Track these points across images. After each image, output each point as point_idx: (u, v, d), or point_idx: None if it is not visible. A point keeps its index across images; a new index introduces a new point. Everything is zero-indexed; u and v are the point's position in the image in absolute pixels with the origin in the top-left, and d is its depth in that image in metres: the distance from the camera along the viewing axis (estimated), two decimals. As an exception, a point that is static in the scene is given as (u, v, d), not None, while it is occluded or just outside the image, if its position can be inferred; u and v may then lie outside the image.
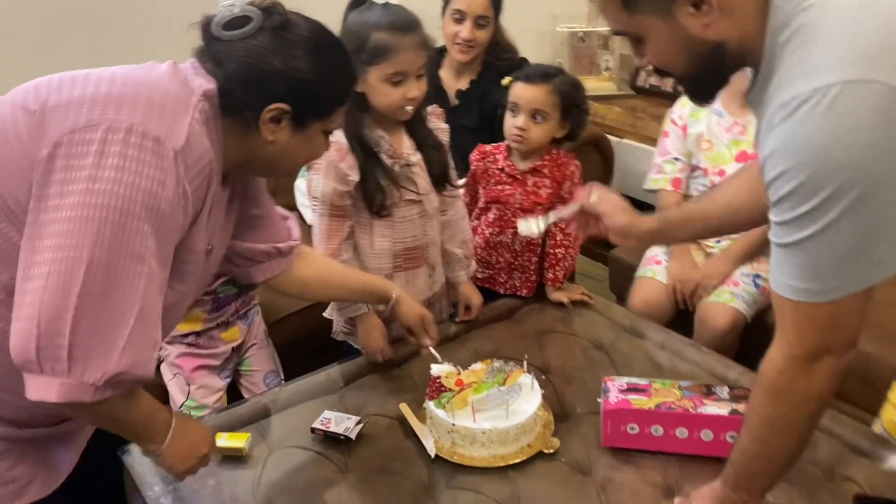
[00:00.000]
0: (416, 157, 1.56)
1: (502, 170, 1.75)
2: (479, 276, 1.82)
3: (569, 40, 3.28)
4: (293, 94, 1.04)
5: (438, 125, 1.63)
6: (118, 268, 0.91)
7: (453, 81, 2.31)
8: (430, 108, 1.62)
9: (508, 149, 1.76)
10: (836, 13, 0.87)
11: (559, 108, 1.67)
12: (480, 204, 1.80)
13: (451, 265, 1.71)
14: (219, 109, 1.03)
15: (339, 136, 1.51)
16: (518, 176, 1.74)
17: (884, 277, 0.90)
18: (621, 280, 2.29)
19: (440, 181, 1.60)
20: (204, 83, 1.02)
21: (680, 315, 2.06)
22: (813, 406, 0.98)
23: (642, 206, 2.78)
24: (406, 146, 1.56)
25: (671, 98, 3.12)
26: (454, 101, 2.30)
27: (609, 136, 2.80)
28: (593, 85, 3.27)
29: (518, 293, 1.80)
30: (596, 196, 1.36)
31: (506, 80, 1.73)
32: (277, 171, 1.17)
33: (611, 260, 2.35)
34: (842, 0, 0.88)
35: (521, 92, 1.68)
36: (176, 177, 0.94)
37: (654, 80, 3.21)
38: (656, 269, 2.11)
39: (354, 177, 1.50)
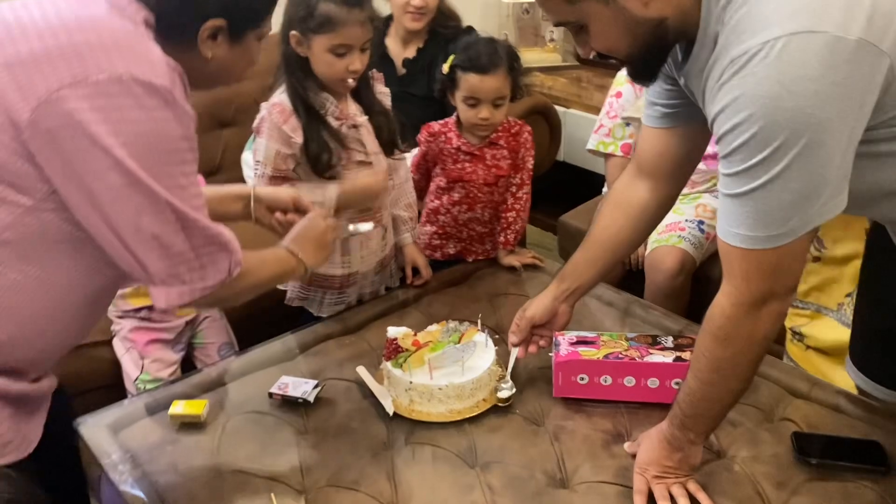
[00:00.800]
0: (363, 119, 1.57)
1: (458, 149, 1.73)
2: (451, 251, 1.84)
3: (514, 12, 3.30)
4: (227, 7, 1.04)
5: (380, 89, 1.64)
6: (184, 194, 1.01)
7: (400, 50, 2.31)
8: (371, 72, 1.62)
9: (458, 124, 1.74)
10: None
11: (511, 85, 1.67)
12: (441, 184, 1.78)
13: (396, 228, 1.72)
14: (156, 34, 1.03)
15: (282, 99, 1.51)
16: (476, 152, 1.73)
17: (827, 219, 0.95)
18: (570, 245, 2.34)
19: (388, 146, 1.61)
20: (139, 10, 1.01)
21: (629, 276, 2.12)
22: (758, 348, 1.03)
23: (587, 174, 2.86)
24: (353, 109, 1.56)
25: (615, 68, 3.18)
26: (401, 70, 2.30)
27: (559, 108, 2.84)
28: (539, 56, 3.31)
29: (491, 256, 1.84)
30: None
31: (446, 67, 1.68)
32: (217, 84, 1.16)
33: (559, 226, 2.40)
34: None
35: (479, 85, 1.62)
36: (175, 108, 0.97)
37: (598, 51, 3.26)
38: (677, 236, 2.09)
39: (298, 139, 1.49)
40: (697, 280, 2.04)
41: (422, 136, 1.78)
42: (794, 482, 1.15)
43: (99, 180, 0.95)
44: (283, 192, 1.42)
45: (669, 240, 2.04)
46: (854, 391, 1.37)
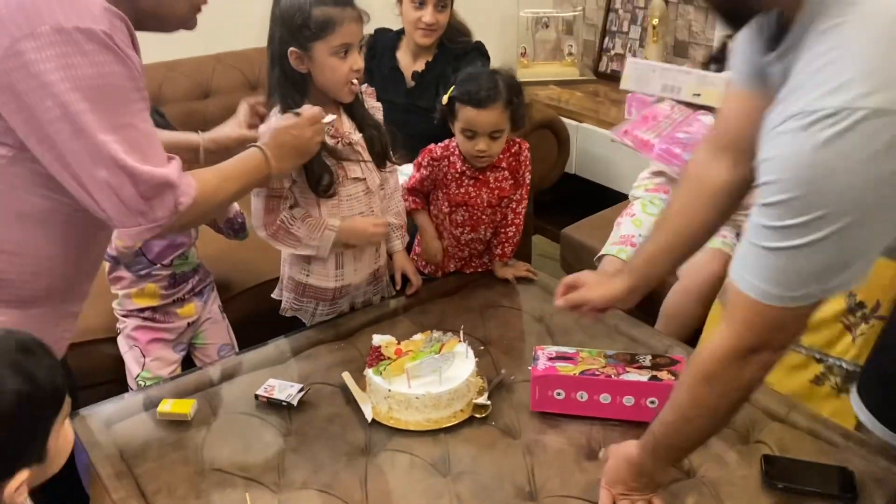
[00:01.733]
0: (357, 136, 1.60)
1: (462, 173, 1.73)
2: (451, 268, 1.86)
3: (532, 25, 3.33)
4: None
5: (372, 104, 1.67)
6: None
7: (410, 63, 2.35)
8: (363, 87, 1.65)
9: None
10: (877, 26, 0.83)
11: (508, 118, 1.67)
12: (444, 209, 1.78)
13: (387, 236, 1.74)
14: None
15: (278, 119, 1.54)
16: (479, 176, 1.73)
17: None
18: (573, 257, 2.36)
19: (381, 159, 1.65)
20: None
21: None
22: (742, 394, 1.03)
23: (597, 188, 2.88)
24: (346, 126, 1.60)
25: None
26: (410, 83, 2.34)
27: (568, 121, 2.86)
28: (556, 70, 3.33)
29: (488, 269, 1.86)
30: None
31: (445, 98, 1.69)
32: (163, 22, 1.22)
33: (562, 238, 2.41)
34: (886, 11, 0.83)
35: (475, 118, 1.63)
36: (116, 51, 1.06)
37: (615, 66, 3.28)
38: (630, 252, 2.08)
39: None
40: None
41: (422, 159, 1.76)
42: (759, 505, 1.16)
43: (54, 131, 1.05)
44: (228, 131, 1.54)
45: (619, 252, 2.06)
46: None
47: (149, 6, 1.17)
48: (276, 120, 1.40)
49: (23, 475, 0.87)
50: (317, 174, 1.54)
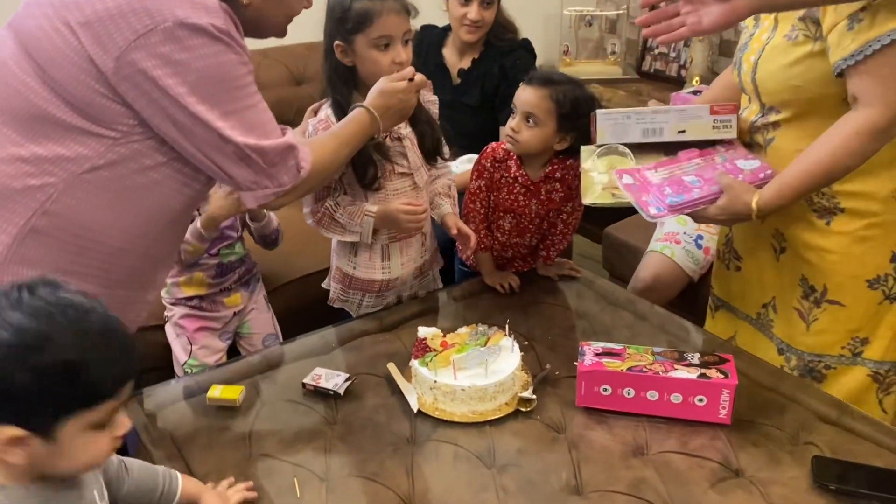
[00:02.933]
0: (407, 131, 1.61)
1: (515, 179, 1.69)
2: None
3: (576, 24, 3.32)
4: None
5: (427, 97, 1.67)
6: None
7: (456, 60, 2.36)
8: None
9: (520, 156, 1.70)
10: None
11: (555, 117, 1.61)
12: (492, 215, 1.76)
13: (436, 206, 1.72)
14: None
15: (328, 114, 1.55)
16: (531, 186, 1.69)
17: None
18: (615, 257, 2.35)
19: (431, 155, 1.65)
20: None
21: (683, 295, 2.12)
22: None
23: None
24: None
25: (675, 82, 3.16)
26: (456, 80, 2.35)
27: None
28: (599, 69, 3.32)
29: (526, 269, 1.85)
30: None
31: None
32: (261, 31, 1.30)
33: (604, 237, 2.40)
34: None
35: (519, 93, 1.64)
36: (227, 41, 1.14)
37: (659, 65, 3.25)
38: (675, 249, 2.11)
39: None
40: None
41: (486, 160, 1.71)
42: (810, 507, 1.15)
43: (176, 115, 1.14)
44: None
45: (663, 249, 2.09)
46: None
47: (251, 15, 1.24)
48: (384, 81, 1.45)
49: (7, 431, 0.82)
50: (362, 167, 1.55)
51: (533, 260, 1.86)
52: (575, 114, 1.61)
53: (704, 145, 1.51)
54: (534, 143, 1.64)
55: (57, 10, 1.12)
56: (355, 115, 1.42)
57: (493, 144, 1.73)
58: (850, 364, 1.50)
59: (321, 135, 1.45)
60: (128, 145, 1.16)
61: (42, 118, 1.13)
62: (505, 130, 1.68)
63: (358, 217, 1.59)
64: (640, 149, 1.52)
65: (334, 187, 1.59)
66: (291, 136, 1.27)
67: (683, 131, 1.50)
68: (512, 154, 1.69)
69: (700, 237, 2.12)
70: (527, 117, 1.62)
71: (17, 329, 0.82)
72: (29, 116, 1.14)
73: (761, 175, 1.44)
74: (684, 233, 2.14)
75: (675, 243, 2.13)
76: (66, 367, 0.82)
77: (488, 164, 1.71)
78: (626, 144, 1.51)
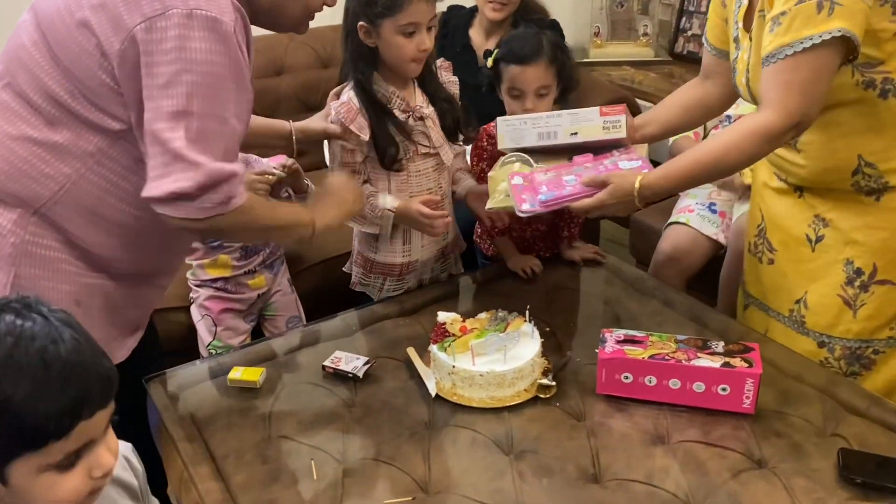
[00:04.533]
0: (429, 110, 1.60)
1: None
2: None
3: (608, 5, 3.26)
4: None
5: (448, 78, 1.66)
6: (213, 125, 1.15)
7: (482, 41, 2.33)
8: (438, 62, 1.65)
9: None
10: None
11: (556, 75, 1.65)
12: None
13: (458, 181, 1.73)
14: None
15: (350, 97, 1.54)
16: None
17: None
18: (642, 243, 2.31)
19: (453, 132, 1.64)
20: None
21: (705, 268, 2.11)
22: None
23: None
24: (419, 99, 1.60)
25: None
26: (482, 61, 2.31)
27: (642, 102, 2.79)
28: (631, 50, 3.26)
29: (548, 254, 1.83)
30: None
31: (490, 61, 1.69)
32: (277, 21, 1.29)
33: (632, 222, 2.37)
34: None
35: (520, 75, 1.62)
36: (232, 45, 1.12)
37: (692, 47, 3.18)
38: (690, 217, 2.15)
39: (364, 136, 1.53)
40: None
41: (482, 142, 1.74)
42: (835, 500, 1.12)
43: (151, 98, 1.10)
44: (315, 124, 1.59)
45: (678, 219, 2.14)
46: None
47: (266, 4, 1.23)
48: (341, 182, 1.45)
49: None
50: (383, 147, 1.54)
51: (555, 241, 1.83)
52: (564, 59, 1.67)
53: (602, 150, 1.53)
54: (547, 108, 1.66)
55: None
56: (299, 211, 1.39)
57: (485, 126, 1.73)
58: None
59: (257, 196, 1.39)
60: (130, 138, 1.16)
61: (56, 103, 1.14)
62: (518, 113, 1.65)
63: (377, 210, 1.58)
64: (551, 155, 1.55)
65: (358, 171, 1.58)
66: (242, 169, 1.21)
67: (576, 133, 1.53)
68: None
69: (713, 204, 2.17)
70: (538, 93, 1.64)
71: None
72: (43, 100, 1.15)
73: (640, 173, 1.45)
74: (697, 203, 2.18)
75: (688, 212, 2.17)
76: None
77: (486, 144, 1.71)
78: (534, 150, 1.55)
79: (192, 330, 1.90)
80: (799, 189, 1.50)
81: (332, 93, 1.65)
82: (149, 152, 1.13)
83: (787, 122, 1.28)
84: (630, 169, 1.47)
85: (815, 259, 1.49)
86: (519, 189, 1.47)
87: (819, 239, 1.47)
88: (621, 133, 1.52)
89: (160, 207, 1.15)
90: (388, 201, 1.55)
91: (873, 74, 1.31)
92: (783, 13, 1.25)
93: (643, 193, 1.40)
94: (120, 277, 1.28)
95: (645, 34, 3.25)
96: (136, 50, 1.09)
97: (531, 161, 1.54)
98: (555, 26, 2.33)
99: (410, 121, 1.57)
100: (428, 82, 1.61)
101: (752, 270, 1.67)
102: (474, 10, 2.33)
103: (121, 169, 1.19)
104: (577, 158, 1.53)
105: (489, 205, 1.53)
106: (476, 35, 2.35)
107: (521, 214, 1.45)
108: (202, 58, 1.10)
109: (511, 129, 1.55)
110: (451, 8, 2.35)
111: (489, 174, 1.57)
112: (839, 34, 1.22)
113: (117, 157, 1.18)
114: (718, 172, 1.44)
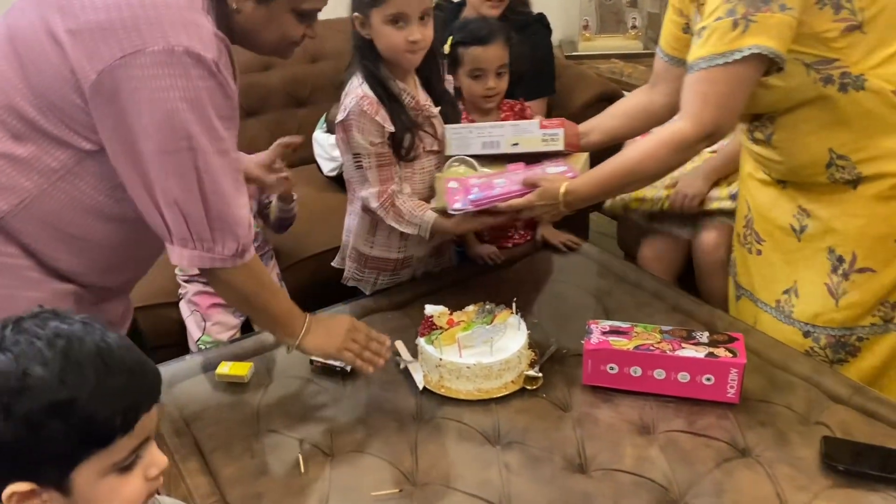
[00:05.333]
0: (436, 110, 1.60)
1: None
2: (487, 239, 1.86)
3: (596, -2, 3.26)
4: None
5: (448, 79, 1.67)
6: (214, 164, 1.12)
7: None
8: (442, 61, 1.66)
9: (473, 117, 1.77)
10: None
11: (508, 52, 1.74)
12: None
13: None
14: None
15: (366, 90, 1.52)
16: None
17: None
18: (629, 236, 2.32)
19: None
20: None
21: (688, 273, 2.10)
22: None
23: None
24: (423, 99, 1.60)
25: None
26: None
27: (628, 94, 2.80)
28: (620, 43, 3.27)
29: (527, 238, 1.87)
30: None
31: (447, 46, 1.73)
32: (254, 44, 1.23)
33: (620, 217, 2.37)
34: None
35: (483, 55, 1.71)
36: (220, 78, 1.09)
37: (680, 39, 3.18)
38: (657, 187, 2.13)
39: (390, 127, 1.52)
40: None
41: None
42: (817, 487, 1.13)
43: (142, 141, 1.07)
44: (252, 165, 1.61)
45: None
46: None
47: (241, 25, 1.18)
48: (341, 321, 1.35)
49: (14, 486, 0.73)
50: (399, 135, 1.54)
51: (526, 231, 1.86)
52: (510, 35, 1.75)
53: (534, 159, 1.59)
54: (506, 86, 1.76)
55: (49, 11, 1.08)
56: (298, 313, 1.30)
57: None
58: (882, 332, 1.48)
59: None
60: (100, 159, 1.12)
61: (22, 118, 1.10)
62: (479, 93, 1.74)
63: (420, 210, 1.57)
64: (493, 161, 1.62)
65: (391, 162, 1.56)
66: (248, 222, 1.19)
67: (517, 144, 1.60)
68: (465, 115, 1.76)
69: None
70: (497, 72, 1.72)
71: None
72: (9, 114, 1.10)
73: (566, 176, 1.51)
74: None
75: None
76: (55, 409, 0.72)
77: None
78: (478, 156, 1.62)
79: (182, 325, 1.90)
80: (782, 182, 1.52)
81: (279, 141, 1.64)
82: (157, 199, 1.11)
83: (700, 132, 1.33)
84: (554, 174, 1.52)
85: (802, 249, 1.50)
86: (453, 191, 1.54)
87: (803, 229, 1.49)
88: (559, 146, 1.59)
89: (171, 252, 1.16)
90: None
91: (830, 71, 1.33)
92: (704, 27, 1.30)
93: (567, 198, 1.44)
94: (88, 286, 1.25)
95: (634, 27, 3.26)
96: (113, 85, 1.05)
97: (476, 165, 1.61)
98: (542, 20, 2.35)
99: (420, 118, 1.57)
100: (434, 84, 1.61)
101: (741, 262, 1.68)
102: (462, 4, 2.34)
103: (89, 188, 1.15)
104: (510, 166, 1.59)
105: (433, 204, 1.58)
106: None
107: (452, 213, 1.51)
108: (191, 96, 1.06)
109: (458, 137, 1.62)
110: (439, 3, 2.35)
111: (436, 175, 1.61)
112: (752, 52, 1.25)
113: (85, 176, 1.14)
114: (637, 180, 1.48)
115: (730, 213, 1.95)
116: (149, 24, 1.04)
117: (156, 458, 0.80)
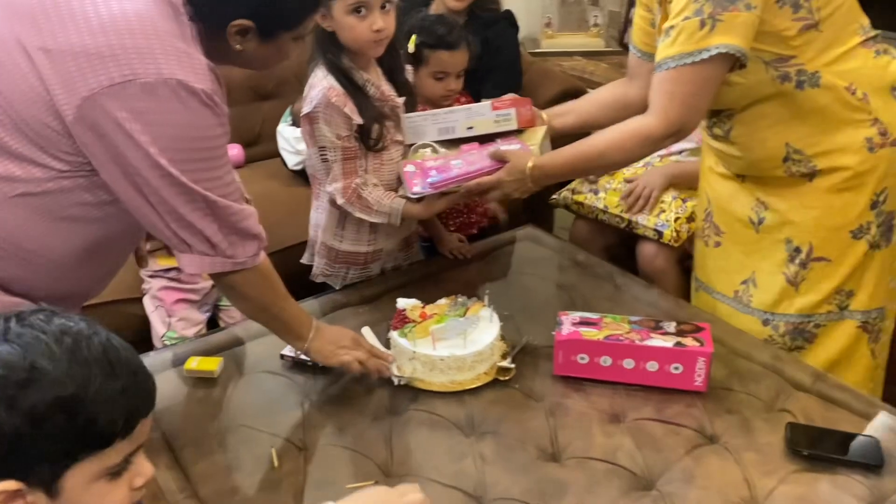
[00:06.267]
0: (400, 101, 1.60)
1: None
2: (453, 227, 1.87)
3: (559, -5, 3.29)
4: (255, 11, 1.10)
5: (408, 69, 1.67)
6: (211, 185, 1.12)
7: None
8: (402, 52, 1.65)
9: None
10: None
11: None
12: None
13: None
14: (192, 22, 1.10)
15: (332, 82, 1.51)
16: None
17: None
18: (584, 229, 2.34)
19: None
20: (183, 3, 1.09)
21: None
22: None
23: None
24: (388, 89, 1.59)
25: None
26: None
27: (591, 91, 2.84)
28: (582, 41, 3.30)
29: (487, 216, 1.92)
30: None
31: (412, 44, 1.73)
32: (252, 66, 1.23)
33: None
34: None
35: (449, 60, 1.72)
36: (213, 107, 1.08)
37: (641, 37, 3.23)
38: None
39: (358, 119, 1.52)
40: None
41: None
42: (783, 472, 1.16)
43: (140, 171, 1.06)
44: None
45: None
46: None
47: (240, 59, 1.17)
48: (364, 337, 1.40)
49: (2, 485, 0.71)
50: (367, 126, 1.53)
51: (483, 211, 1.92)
52: (469, 35, 1.78)
53: (489, 139, 1.63)
54: (461, 87, 1.80)
55: (22, 24, 1.03)
56: (306, 317, 1.33)
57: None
58: (838, 319, 1.53)
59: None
60: (73, 179, 1.09)
61: None
62: (440, 93, 1.75)
63: (388, 198, 1.57)
64: (452, 144, 1.64)
65: (357, 156, 1.56)
66: (257, 224, 1.22)
67: (472, 127, 1.63)
68: (420, 108, 1.78)
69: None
70: (458, 74, 1.76)
71: (2, 364, 0.70)
72: None
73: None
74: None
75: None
76: (60, 405, 0.70)
77: None
78: (438, 141, 1.66)
79: (146, 321, 1.87)
80: (741, 176, 1.56)
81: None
82: (168, 221, 1.11)
83: (667, 129, 1.37)
84: (512, 150, 1.55)
85: (760, 240, 1.54)
86: (410, 175, 1.56)
87: (761, 221, 1.53)
88: (512, 125, 1.61)
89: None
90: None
91: (787, 69, 1.37)
92: (672, 26, 1.33)
93: (534, 174, 1.48)
94: (39, 300, 1.20)
95: (595, 25, 3.29)
96: (102, 113, 1.01)
97: (437, 148, 1.63)
98: (509, 17, 2.36)
99: (386, 108, 1.57)
100: (397, 75, 1.61)
101: (699, 255, 1.72)
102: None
103: (54, 205, 1.10)
104: (464, 147, 1.62)
105: (399, 192, 1.60)
106: None
107: (412, 195, 1.53)
108: (185, 124, 1.05)
109: (414, 126, 1.64)
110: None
111: (400, 163, 1.62)
112: (719, 51, 1.29)
113: (52, 193, 1.09)
114: (601, 166, 1.59)
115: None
116: (139, 54, 1.02)
117: (143, 468, 0.79)
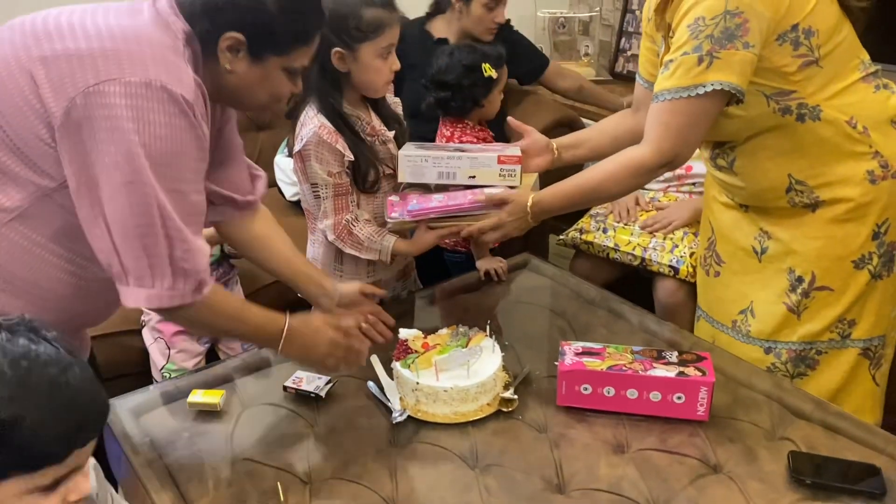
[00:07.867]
0: (391, 134, 1.62)
1: None
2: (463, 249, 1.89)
3: (549, 26, 3.34)
4: (248, 24, 1.11)
5: (392, 99, 1.69)
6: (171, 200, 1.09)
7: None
8: None
9: None
10: None
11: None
12: None
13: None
14: (187, 43, 1.12)
15: (323, 120, 1.54)
16: None
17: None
18: (583, 259, 2.35)
19: None
20: (180, 23, 1.11)
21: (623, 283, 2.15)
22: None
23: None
24: (377, 123, 1.62)
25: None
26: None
27: (585, 120, 2.87)
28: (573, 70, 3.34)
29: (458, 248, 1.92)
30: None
31: (488, 68, 1.82)
32: (242, 103, 1.24)
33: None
34: None
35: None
36: (192, 119, 1.07)
37: (631, 66, 3.28)
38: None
39: (350, 156, 1.54)
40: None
41: None
42: (786, 501, 1.17)
43: (105, 173, 1.04)
44: (350, 287, 1.54)
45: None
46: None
47: (232, 83, 1.17)
48: (325, 331, 1.34)
49: None
50: (364, 169, 1.55)
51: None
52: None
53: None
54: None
55: (25, 39, 1.06)
56: (276, 322, 1.28)
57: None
58: (840, 347, 1.54)
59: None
60: (63, 195, 1.09)
61: None
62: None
63: (380, 236, 1.59)
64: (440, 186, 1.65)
65: (350, 192, 1.58)
66: (206, 257, 1.17)
67: (474, 177, 1.62)
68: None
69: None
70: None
71: None
72: None
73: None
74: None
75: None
76: None
77: None
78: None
79: (144, 353, 1.86)
80: (744, 206, 1.58)
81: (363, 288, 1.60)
82: (114, 235, 1.08)
83: (660, 160, 1.40)
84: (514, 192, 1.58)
85: (762, 269, 1.56)
86: (392, 204, 1.61)
87: (764, 250, 1.55)
88: (515, 182, 1.60)
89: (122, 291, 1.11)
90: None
91: (788, 102, 1.40)
92: (672, 60, 1.36)
93: (534, 210, 1.51)
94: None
95: (586, 54, 3.34)
96: (84, 112, 1.02)
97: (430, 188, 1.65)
98: (507, 24, 2.47)
99: (377, 144, 1.59)
100: (381, 106, 1.63)
101: (701, 284, 1.74)
102: (422, 23, 2.41)
103: (45, 228, 1.11)
104: (451, 188, 1.63)
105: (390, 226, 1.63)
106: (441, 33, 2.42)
107: (389, 221, 1.58)
108: (163, 132, 1.05)
109: (412, 165, 1.60)
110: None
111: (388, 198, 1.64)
112: (715, 87, 1.32)
113: (43, 216, 1.10)
114: (599, 198, 1.64)
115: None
116: (130, 57, 1.04)
117: (80, 486, 0.81)
